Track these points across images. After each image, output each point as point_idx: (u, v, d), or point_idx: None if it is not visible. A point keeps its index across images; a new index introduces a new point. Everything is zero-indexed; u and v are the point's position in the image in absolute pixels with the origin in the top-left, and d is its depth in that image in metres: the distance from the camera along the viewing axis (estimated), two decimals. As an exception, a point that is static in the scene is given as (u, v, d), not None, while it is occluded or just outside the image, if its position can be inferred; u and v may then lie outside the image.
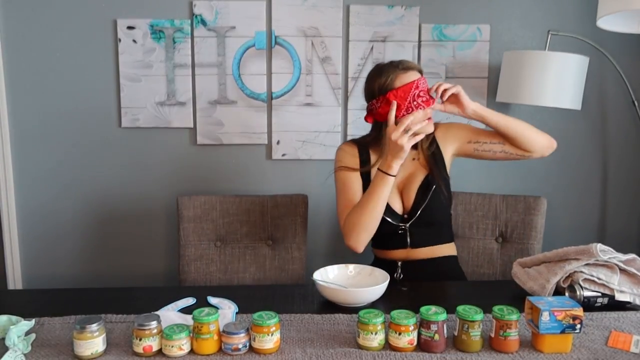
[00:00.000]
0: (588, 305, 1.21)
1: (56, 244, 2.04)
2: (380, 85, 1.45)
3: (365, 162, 1.54)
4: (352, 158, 1.55)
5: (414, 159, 1.56)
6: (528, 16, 2.01)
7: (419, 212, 1.51)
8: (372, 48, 1.98)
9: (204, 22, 1.94)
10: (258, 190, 2.02)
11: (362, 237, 1.43)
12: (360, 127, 2.02)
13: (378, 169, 1.41)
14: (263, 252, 1.86)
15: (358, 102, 2.01)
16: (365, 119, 1.53)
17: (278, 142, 2.02)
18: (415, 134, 1.37)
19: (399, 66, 1.45)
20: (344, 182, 1.54)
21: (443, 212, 1.56)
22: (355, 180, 1.53)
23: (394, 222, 1.51)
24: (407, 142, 1.34)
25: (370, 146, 1.55)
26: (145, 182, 2.03)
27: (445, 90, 1.42)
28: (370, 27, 1.97)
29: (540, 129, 2.12)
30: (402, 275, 1.52)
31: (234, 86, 1.98)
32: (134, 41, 1.94)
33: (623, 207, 2.14)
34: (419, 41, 1.99)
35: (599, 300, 1.23)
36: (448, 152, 1.57)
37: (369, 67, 1.97)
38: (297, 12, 1.95)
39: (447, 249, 1.57)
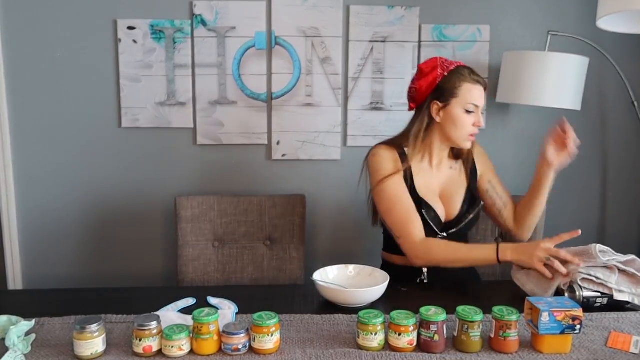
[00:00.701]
0: (587, 305, 1.21)
1: (56, 244, 2.04)
2: (445, 85, 1.43)
3: (406, 170, 1.48)
4: (394, 163, 1.48)
5: (450, 167, 1.55)
6: (528, 17, 2.01)
7: (463, 224, 1.50)
8: (372, 48, 1.98)
9: (204, 23, 1.94)
10: (258, 190, 2.02)
11: (431, 264, 1.43)
12: (361, 128, 2.03)
13: (496, 245, 1.35)
14: (261, 253, 1.87)
15: (358, 103, 2.01)
16: (411, 106, 1.53)
17: (278, 143, 2.02)
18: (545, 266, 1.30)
19: (472, 76, 1.44)
20: (394, 192, 1.45)
21: (476, 224, 1.58)
22: (404, 186, 1.46)
23: (437, 229, 1.48)
24: (538, 264, 1.29)
25: (406, 142, 1.50)
26: (145, 183, 2.03)
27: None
28: (371, 28, 1.97)
29: (540, 129, 2.14)
30: (426, 280, 1.50)
31: (234, 86, 1.98)
32: (134, 41, 1.94)
33: (623, 208, 2.14)
34: (419, 41, 1.99)
35: (599, 300, 1.23)
36: (477, 170, 1.59)
37: (369, 68, 1.99)
38: (297, 12, 1.95)
39: None
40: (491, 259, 1.34)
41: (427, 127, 1.48)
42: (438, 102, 1.45)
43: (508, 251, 1.34)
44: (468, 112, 1.44)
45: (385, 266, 1.58)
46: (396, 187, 1.45)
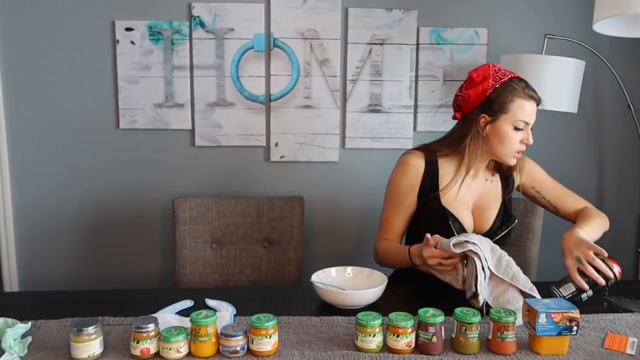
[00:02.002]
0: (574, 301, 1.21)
1: (53, 245, 2.03)
2: (497, 99, 1.36)
3: (432, 177, 1.43)
4: (414, 176, 1.44)
5: (487, 180, 1.49)
6: (525, 20, 2.02)
7: (494, 239, 1.42)
8: (370, 51, 1.99)
9: (202, 24, 1.94)
10: (257, 192, 2.02)
11: (385, 266, 1.44)
12: (359, 130, 2.03)
13: (409, 249, 1.34)
14: (259, 254, 1.87)
15: (356, 105, 2.02)
16: (456, 116, 1.46)
17: (276, 144, 2.02)
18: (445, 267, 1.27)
19: (526, 92, 1.36)
20: (391, 201, 1.47)
21: (508, 242, 1.55)
22: (404, 203, 1.45)
23: None
24: (432, 269, 1.27)
25: (441, 156, 1.45)
26: (143, 184, 2.02)
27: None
28: (369, 30, 1.98)
29: (537, 132, 2.13)
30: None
31: (233, 88, 1.98)
32: (132, 43, 1.94)
33: (619, 211, 2.15)
34: (417, 44, 1.99)
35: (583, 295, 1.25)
36: (515, 180, 1.54)
37: (367, 70, 1.99)
38: (296, 14, 1.95)
39: None
40: (408, 261, 1.36)
41: (470, 139, 1.41)
42: (486, 116, 1.38)
43: (415, 251, 1.33)
44: (517, 129, 1.36)
45: (399, 272, 1.56)
46: (394, 198, 1.47)
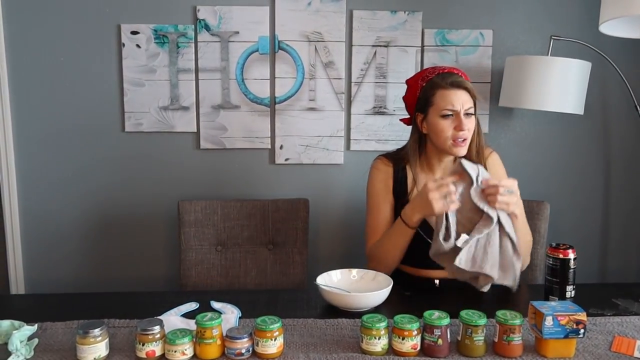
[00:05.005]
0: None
1: (59, 248, 2.04)
2: (422, 96, 1.42)
3: (400, 182, 1.50)
4: (385, 178, 1.51)
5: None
6: (530, 21, 2.01)
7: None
8: (375, 53, 1.99)
9: (207, 27, 1.95)
10: (261, 194, 2.02)
11: (382, 271, 1.39)
12: (364, 132, 2.03)
13: (400, 216, 1.37)
14: (264, 257, 1.86)
15: (361, 107, 2.02)
16: (403, 120, 1.54)
17: (281, 147, 2.02)
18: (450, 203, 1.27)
19: (446, 80, 1.39)
20: (372, 205, 1.53)
21: None
22: (384, 203, 1.51)
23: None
24: (438, 204, 1.25)
25: (407, 161, 1.51)
26: (148, 187, 2.03)
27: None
28: (373, 32, 1.98)
29: (543, 133, 2.13)
30: (438, 285, 1.48)
31: (237, 91, 1.99)
32: (138, 46, 1.95)
33: (626, 212, 2.14)
34: (422, 46, 1.99)
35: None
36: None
37: (372, 72, 1.99)
38: (301, 17, 1.96)
39: None
40: (404, 230, 1.36)
41: (420, 140, 1.48)
42: (420, 114, 1.46)
43: (408, 210, 1.35)
44: (445, 116, 1.39)
45: (398, 275, 1.54)
46: (374, 201, 1.52)
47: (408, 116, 1.55)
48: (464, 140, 1.40)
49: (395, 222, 1.42)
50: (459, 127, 1.39)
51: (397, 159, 1.54)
